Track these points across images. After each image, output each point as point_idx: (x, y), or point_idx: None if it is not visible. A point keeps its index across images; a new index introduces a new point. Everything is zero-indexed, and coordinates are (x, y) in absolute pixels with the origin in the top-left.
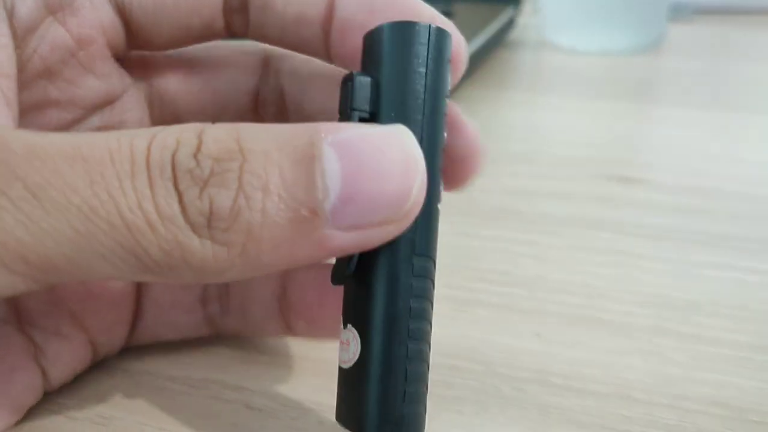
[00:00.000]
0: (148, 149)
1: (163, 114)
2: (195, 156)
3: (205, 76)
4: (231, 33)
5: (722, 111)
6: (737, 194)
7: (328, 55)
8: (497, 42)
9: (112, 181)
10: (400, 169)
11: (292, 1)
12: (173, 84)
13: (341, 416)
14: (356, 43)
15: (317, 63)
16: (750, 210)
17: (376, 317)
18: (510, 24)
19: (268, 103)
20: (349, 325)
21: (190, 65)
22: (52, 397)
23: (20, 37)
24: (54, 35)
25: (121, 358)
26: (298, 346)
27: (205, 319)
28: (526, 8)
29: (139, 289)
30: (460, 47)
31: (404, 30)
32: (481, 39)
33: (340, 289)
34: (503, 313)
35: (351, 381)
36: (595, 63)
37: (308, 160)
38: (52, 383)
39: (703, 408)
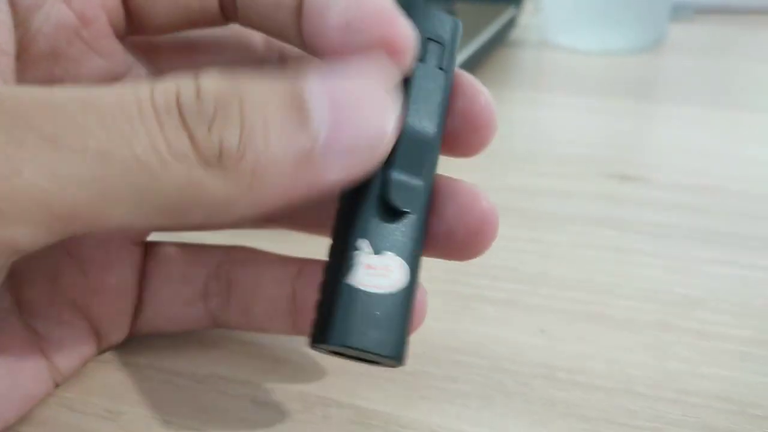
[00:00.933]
0: (151, 95)
1: None
2: (198, 97)
3: (209, 59)
4: (226, 18)
5: (723, 110)
6: (738, 192)
7: (302, 42)
8: (499, 41)
9: (124, 124)
10: (377, 115)
11: None
12: (177, 67)
13: (357, 338)
14: (323, 27)
15: None
16: (751, 208)
17: (418, 248)
18: (511, 23)
19: None
20: (390, 253)
21: (193, 49)
22: (58, 391)
23: (22, 16)
24: (58, 15)
25: (128, 353)
26: (302, 342)
27: (205, 313)
28: (528, 8)
29: (141, 281)
30: None
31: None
32: (482, 38)
33: None
34: (508, 309)
35: (390, 306)
36: (596, 62)
37: (298, 102)
38: (62, 372)
39: (706, 402)
